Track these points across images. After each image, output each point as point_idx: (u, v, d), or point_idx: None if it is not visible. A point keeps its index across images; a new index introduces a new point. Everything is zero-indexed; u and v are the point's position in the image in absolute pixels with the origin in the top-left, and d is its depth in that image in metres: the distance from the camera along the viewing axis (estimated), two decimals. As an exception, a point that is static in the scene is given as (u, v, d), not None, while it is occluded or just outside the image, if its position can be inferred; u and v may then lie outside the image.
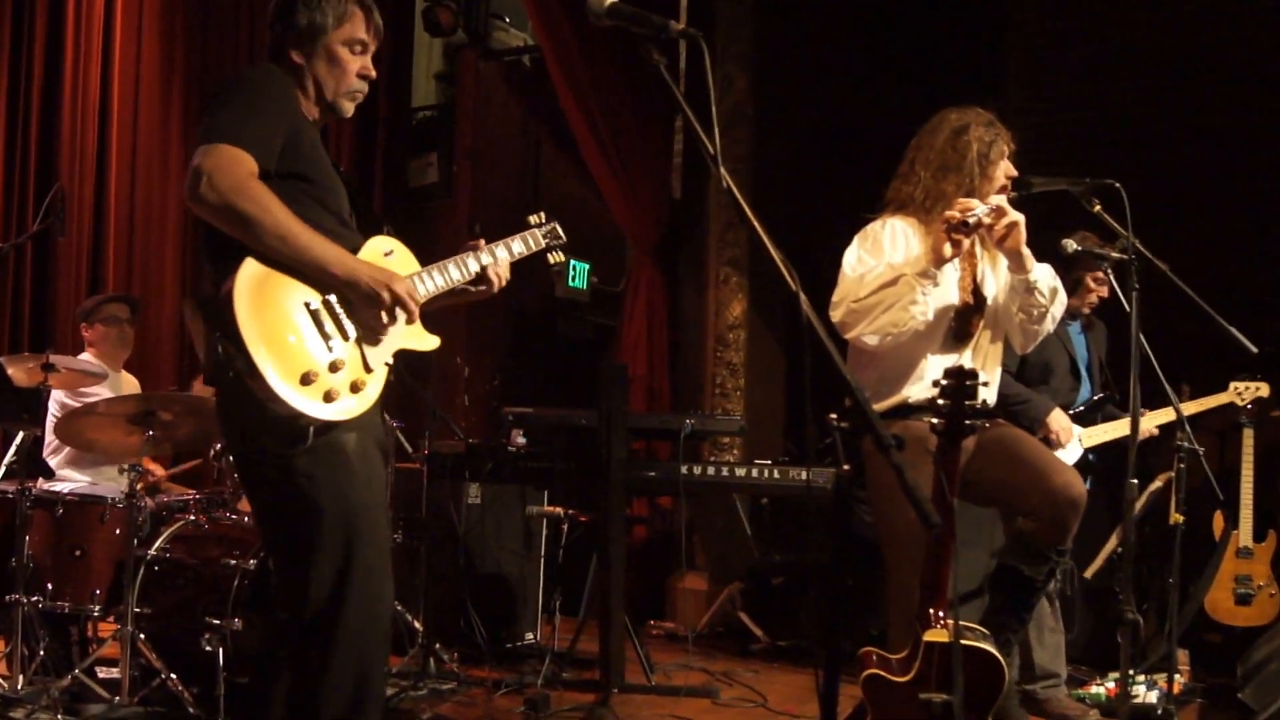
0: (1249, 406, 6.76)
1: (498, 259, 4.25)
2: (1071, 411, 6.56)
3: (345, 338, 3.71)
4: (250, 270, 3.57)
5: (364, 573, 3.70)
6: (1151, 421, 6.51)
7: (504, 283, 4.28)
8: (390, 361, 3.84)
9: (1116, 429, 6.56)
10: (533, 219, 4.49)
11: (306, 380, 3.56)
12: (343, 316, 3.72)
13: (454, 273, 4.12)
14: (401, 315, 3.81)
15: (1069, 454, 6.51)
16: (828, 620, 3.18)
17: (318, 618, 3.68)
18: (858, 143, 8.47)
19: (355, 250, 3.85)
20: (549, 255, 4.53)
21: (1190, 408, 6.49)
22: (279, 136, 3.72)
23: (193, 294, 9.71)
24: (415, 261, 4.05)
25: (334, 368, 3.64)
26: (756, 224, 3.01)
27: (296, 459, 3.64)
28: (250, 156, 3.60)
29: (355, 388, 3.69)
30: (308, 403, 3.57)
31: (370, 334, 3.78)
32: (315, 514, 3.67)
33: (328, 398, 3.61)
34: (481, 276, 4.21)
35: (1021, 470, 5.01)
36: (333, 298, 3.70)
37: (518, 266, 4.37)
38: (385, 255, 3.94)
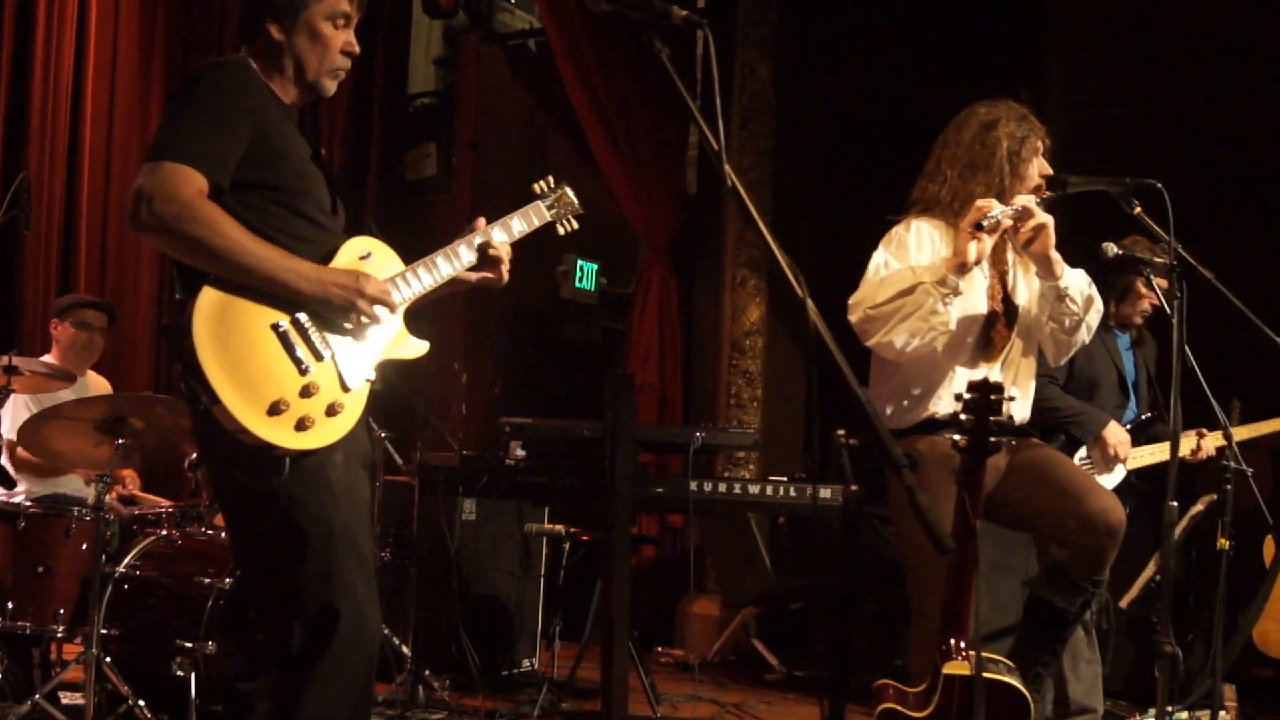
0: None
1: (494, 242, 4.17)
2: (1118, 430, 6.57)
3: (319, 358, 3.70)
4: (209, 297, 3.58)
5: (349, 598, 3.71)
6: (1212, 442, 6.49)
7: (509, 258, 4.20)
8: (372, 377, 3.83)
9: (1164, 451, 6.55)
10: (538, 186, 4.41)
11: (275, 410, 3.56)
12: (314, 335, 3.71)
13: (444, 267, 4.06)
14: (384, 322, 3.81)
15: (1112, 476, 6.50)
16: (835, 648, 3.19)
17: (300, 644, 3.69)
18: (889, 136, 8.48)
19: (331, 254, 3.85)
20: (559, 226, 4.44)
21: (1243, 432, 6.46)
22: (236, 145, 3.70)
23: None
24: (398, 261, 4.02)
25: (306, 392, 3.64)
26: (761, 225, 3.02)
27: (276, 483, 3.66)
28: (198, 173, 3.60)
29: (332, 411, 3.69)
30: (278, 433, 3.58)
31: (347, 349, 3.77)
32: (297, 538, 3.68)
33: (300, 426, 3.61)
34: (484, 260, 4.15)
35: (1055, 494, 4.99)
36: (303, 316, 3.70)
37: (519, 264, 4.29)
38: (362, 259, 3.91)
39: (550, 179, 4.46)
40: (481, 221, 4.20)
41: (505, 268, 4.20)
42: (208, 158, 3.63)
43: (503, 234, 4.22)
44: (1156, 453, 6.57)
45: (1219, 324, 5.53)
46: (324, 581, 3.69)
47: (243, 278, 3.60)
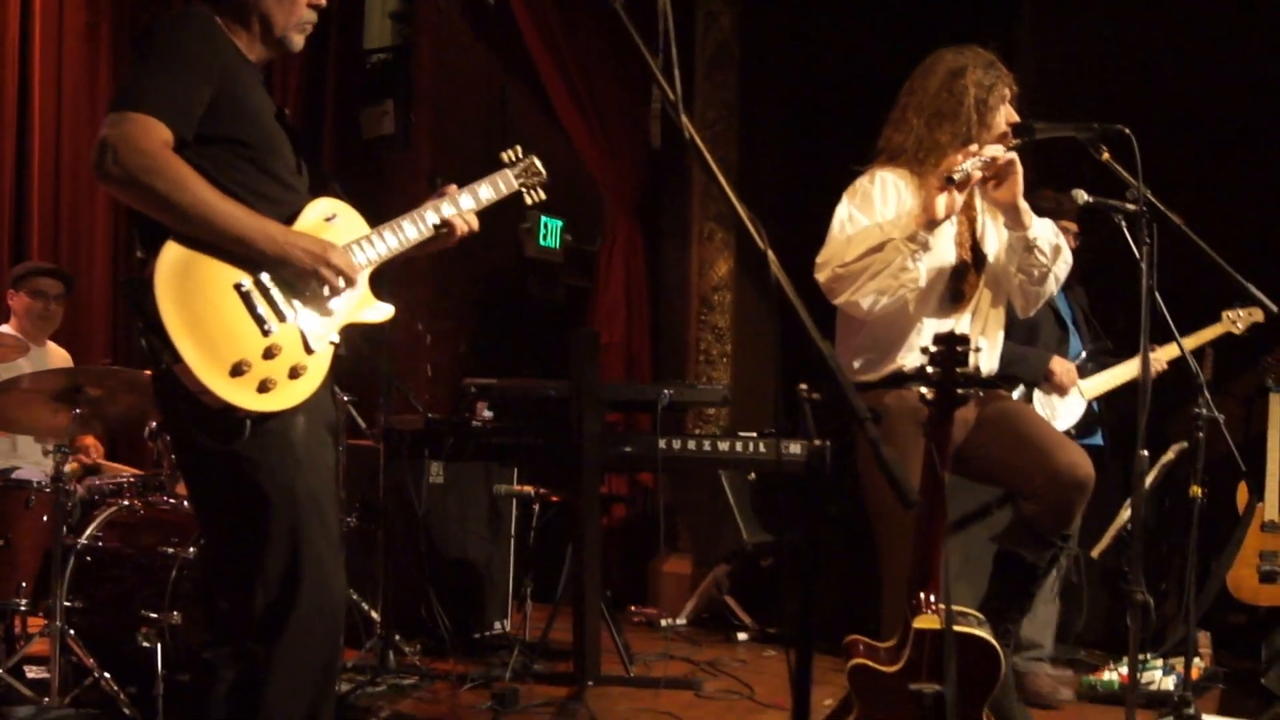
0: (1246, 333, 6.99)
1: (461, 209, 4.18)
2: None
3: (282, 319, 3.68)
4: (172, 253, 3.55)
5: (313, 563, 3.71)
6: (1163, 355, 6.56)
7: (472, 230, 4.21)
8: (336, 340, 3.82)
9: (1117, 375, 6.67)
10: (506, 155, 4.42)
11: (238, 371, 3.55)
12: (278, 296, 3.69)
13: (409, 231, 4.06)
14: (344, 291, 3.81)
15: (1072, 409, 6.58)
16: (800, 601, 3.20)
17: (264, 612, 3.69)
18: (857, 86, 8.43)
19: (295, 215, 3.83)
20: (526, 196, 4.45)
21: (1187, 343, 6.56)
22: (201, 96, 3.67)
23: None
24: (363, 223, 4.00)
25: (269, 354, 3.62)
26: (720, 176, 3.05)
27: (238, 445, 3.66)
28: (164, 125, 3.56)
29: (295, 373, 3.68)
30: (240, 394, 3.56)
31: (311, 312, 3.77)
32: (260, 503, 3.68)
33: (263, 388, 3.60)
34: (444, 225, 4.15)
35: (1024, 448, 5.02)
36: (265, 276, 3.68)
37: (484, 224, 4.28)
38: (327, 220, 3.90)
39: (518, 148, 4.48)
40: (453, 187, 4.21)
41: (460, 230, 4.20)
42: (172, 108, 3.60)
43: (470, 200, 4.23)
44: (1110, 379, 6.68)
45: (1182, 267, 5.53)
46: (287, 547, 3.69)
47: (208, 235, 3.57)
